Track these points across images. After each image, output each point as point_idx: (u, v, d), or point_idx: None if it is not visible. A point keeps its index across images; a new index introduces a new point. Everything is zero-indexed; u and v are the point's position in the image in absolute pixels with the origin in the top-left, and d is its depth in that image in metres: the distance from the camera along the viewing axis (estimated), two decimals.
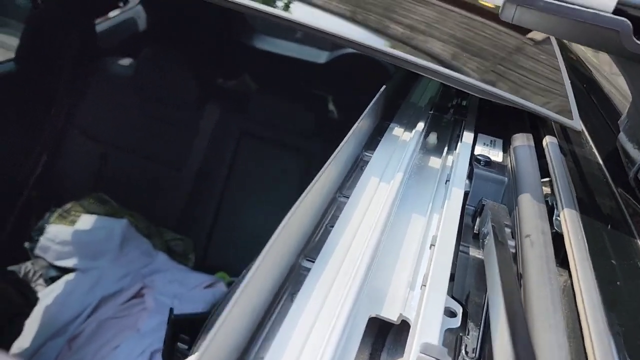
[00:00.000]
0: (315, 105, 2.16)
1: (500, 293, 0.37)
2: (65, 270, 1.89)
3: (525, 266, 0.47)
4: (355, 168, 0.65)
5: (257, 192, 2.12)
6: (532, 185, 0.58)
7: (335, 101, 2.28)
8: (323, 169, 0.56)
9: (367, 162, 0.66)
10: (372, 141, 0.72)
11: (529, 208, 0.54)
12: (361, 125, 0.67)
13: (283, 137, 2.10)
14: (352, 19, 0.88)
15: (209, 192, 2.12)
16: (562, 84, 0.77)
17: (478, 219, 0.60)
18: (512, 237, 0.51)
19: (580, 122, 0.70)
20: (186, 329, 1.14)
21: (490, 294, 0.41)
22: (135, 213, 2.10)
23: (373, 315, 0.48)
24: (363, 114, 0.68)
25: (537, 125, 0.76)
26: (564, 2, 0.49)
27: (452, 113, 0.83)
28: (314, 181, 0.53)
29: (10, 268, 1.89)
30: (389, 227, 0.54)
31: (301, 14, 0.83)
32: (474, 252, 0.57)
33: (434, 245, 0.54)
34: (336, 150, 0.60)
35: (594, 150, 0.72)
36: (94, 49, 2.17)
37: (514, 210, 0.58)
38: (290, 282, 0.47)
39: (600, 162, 0.70)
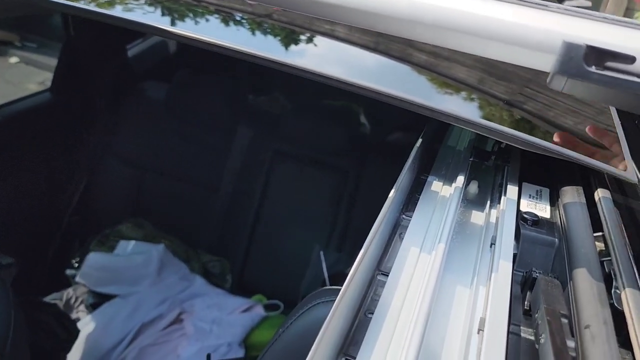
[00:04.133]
0: (345, 119, 2.12)
1: None
2: (105, 297, 1.91)
3: None
4: (394, 236, 0.62)
5: (291, 212, 2.10)
6: (589, 258, 0.54)
7: (365, 112, 2.23)
8: (365, 245, 0.52)
9: (406, 227, 0.62)
10: (410, 200, 0.68)
11: (587, 289, 0.50)
12: (400, 186, 0.64)
13: (316, 155, 2.07)
14: (370, 66, 0.85)
15: (244, 212, 2.10)
16: (614, 131, 0.72)
17: (529, 293, 0.55)
18: (570, 328, 0.47)
19: (637, 173, 0.65)
20: None
21: None
22: (172, 236, 2.11)
23: None
24: (401, 175, 0.64)
25: (586, 174, 0.71)
26: (619, 72, 0.44)
27: (494, 159, 0.78)
28: (356, 262, 0.50)
29: (53, 295, 1.92)
30: (432, 313, 0.50)
31: (313, 61, 0.80)
32: (525, 333, 0.53)
33: (482, 330, 0.50)
34: (376, 221, 0.56)
35: None
36: (127, 75, 2.19)
37: (568, 285, 0.53)
38: None
39: None
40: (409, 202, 0.68)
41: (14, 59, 4.30)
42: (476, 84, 0.84)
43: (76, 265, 1.98)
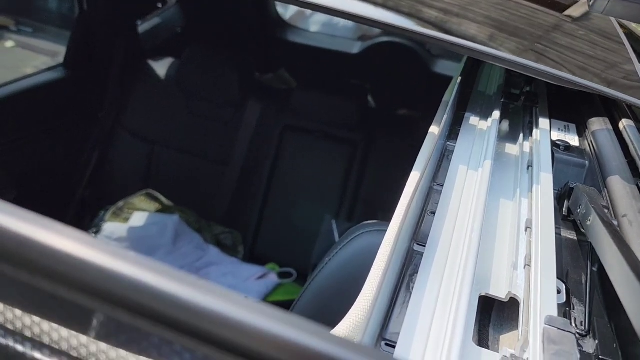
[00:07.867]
0: (353, 95, 2.19)
1: (625, 269, 0.40)
2: None
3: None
4: (443, 158, 0.68)
5: (301, 184, 2.16)
6: (620, 167, 0.61)
7: (373, 90, 2.31)
8: (419, 159, 0.59)
9: (452, 151, 0.69)
10: (452, 131, 0.75)
11: (621, 189, 0.57)
12: (443, 119, 0.70)
13: (324, 129, 2.13)
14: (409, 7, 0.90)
15: (255, 185, 2.16)
16: (632, 65, 0.78)
17: (566, 202, 0.62)
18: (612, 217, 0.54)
19: None
20: None
21: (610, 272, 0.44)
22: (185, 208, 2.17)
23: (483, 294, 0.51)
24: (440, 110, 0.71)
25: (609, 109, 0.78)
26: None
27: (523, 100, 0.85)
28: (415, 171, 0.56)
29: None
30: (485, 213, 0.57)
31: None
32: (565, 233, 0.60)
33: (529, 228, 0.57)
34: (425, 142, 0.63)
35: None
36: (138, 51, 2.23)
37: (603, 192, 0.60)
38: (408, 265, 0.51)
39: None
40: (451, 133, 0.75)
41: (10, 44, 4.29)
42: (486, 40, 0.91)
43: (93, 236, 2.03)
